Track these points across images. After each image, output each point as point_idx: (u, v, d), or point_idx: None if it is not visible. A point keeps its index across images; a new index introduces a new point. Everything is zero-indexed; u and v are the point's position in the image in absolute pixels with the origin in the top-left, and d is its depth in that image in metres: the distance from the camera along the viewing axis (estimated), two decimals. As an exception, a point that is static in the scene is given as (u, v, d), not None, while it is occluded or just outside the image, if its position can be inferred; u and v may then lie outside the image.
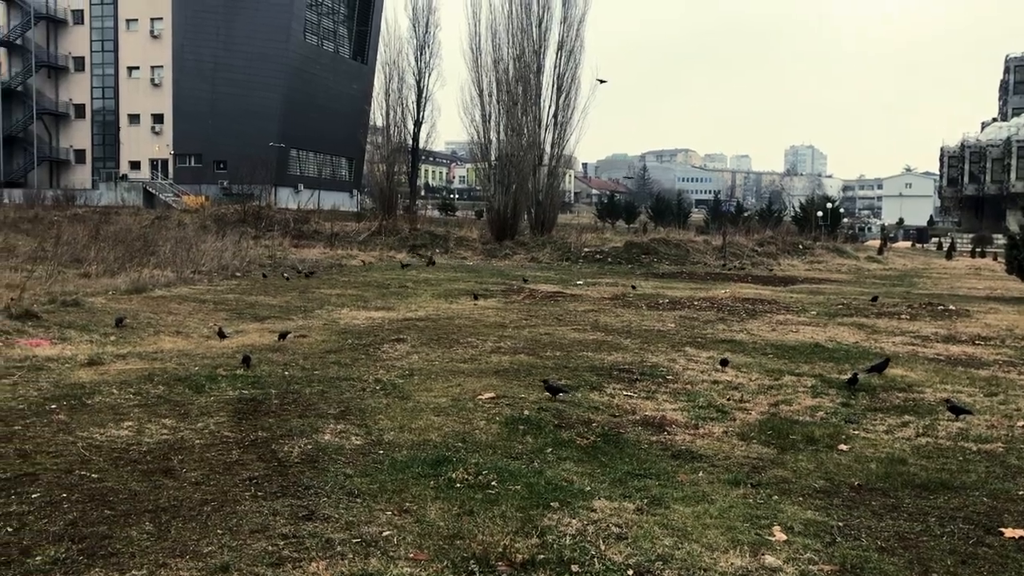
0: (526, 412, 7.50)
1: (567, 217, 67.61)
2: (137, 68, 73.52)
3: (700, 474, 6.01)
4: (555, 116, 39.44)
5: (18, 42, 73.01)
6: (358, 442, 6.47)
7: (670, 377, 9.50)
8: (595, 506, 5.22)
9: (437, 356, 10.45)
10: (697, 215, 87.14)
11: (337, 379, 8.80)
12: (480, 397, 8.06)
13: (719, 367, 10.05)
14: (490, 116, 39.14)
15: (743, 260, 33.37)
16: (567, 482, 5.69)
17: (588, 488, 5.58)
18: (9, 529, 4.56)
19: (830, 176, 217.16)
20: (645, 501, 5.37)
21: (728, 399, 8.47)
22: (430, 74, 59.69)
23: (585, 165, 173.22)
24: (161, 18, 72.17)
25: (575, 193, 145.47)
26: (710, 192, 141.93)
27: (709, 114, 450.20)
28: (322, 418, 7.14)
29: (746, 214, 76.75)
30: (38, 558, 4.21)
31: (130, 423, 6.74)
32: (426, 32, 59.99)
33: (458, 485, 5.52)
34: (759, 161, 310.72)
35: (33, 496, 5.05)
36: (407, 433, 6.76)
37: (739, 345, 12.00)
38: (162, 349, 10.42)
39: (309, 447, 6.28)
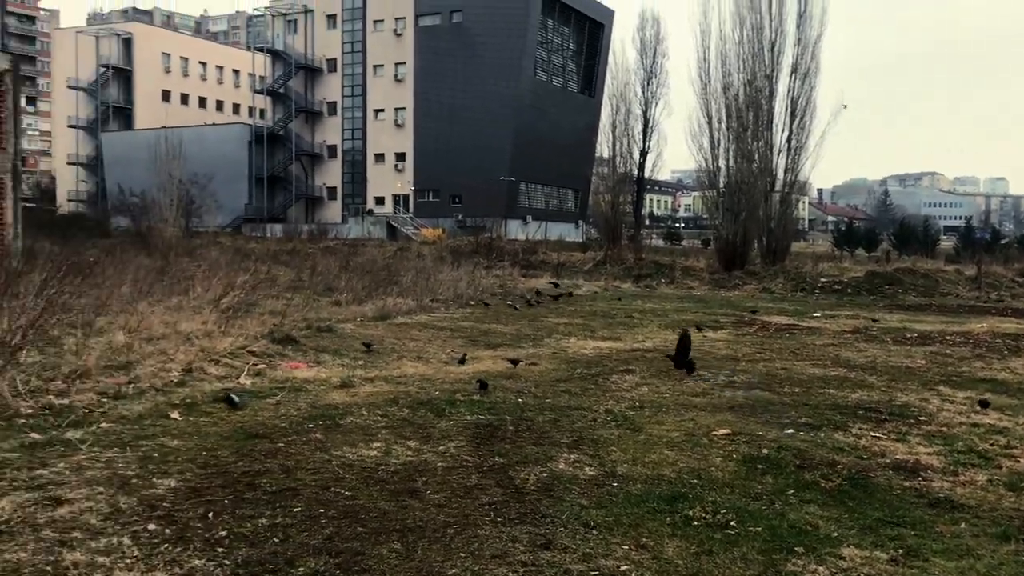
0: (764, 450, 7.21)
1: (801, 245, 64.86)
2: (382, 110, 78.82)
3: (962, 525, 5.51)
4: (788, 141, 38.09)
5: (281, 91, 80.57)
6: (592, 473, 6.49)
7: (923, 418, 8.81)
8: (844, 554, 4.92)
9: (667, 389, 10.31)
10: (946, 243, 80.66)
11: (568, 408, 8.89)
12: (714, 433, 7.84)
13: (978, 408, 9.21)
14: (718, 143, 38.43)
15: (1001, 292, 30.50)
16: (812, 526, 5.40)
17: (835, 534, 5.27)
18: (276, 540, 4.95)
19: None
20: (900, 552, 4.99)
21: (991, 444, 7.72)
22: (656, 103, 59.60)
23: (820, 191, 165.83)
24: (404, 63, 77.02)
25: (809, 220, 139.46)
26: (960, 218, 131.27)
27: (958, 135, 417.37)
28: (556, 447, 7.23)
29: (1003, 241, 70.25)
30: (300, 569, 4.54)
31: (378, 444, 7.15)
32: (653, 62, 60.07)
33: (695, 523, 5.38)
34: (1018, 184, 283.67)
35: (295, 510, 5.46)
36: (640, 466, 6.70)
37: (1001, 385, 10.94)
38: (405, 374, 10.99)
39: (544, 475, 6.37)
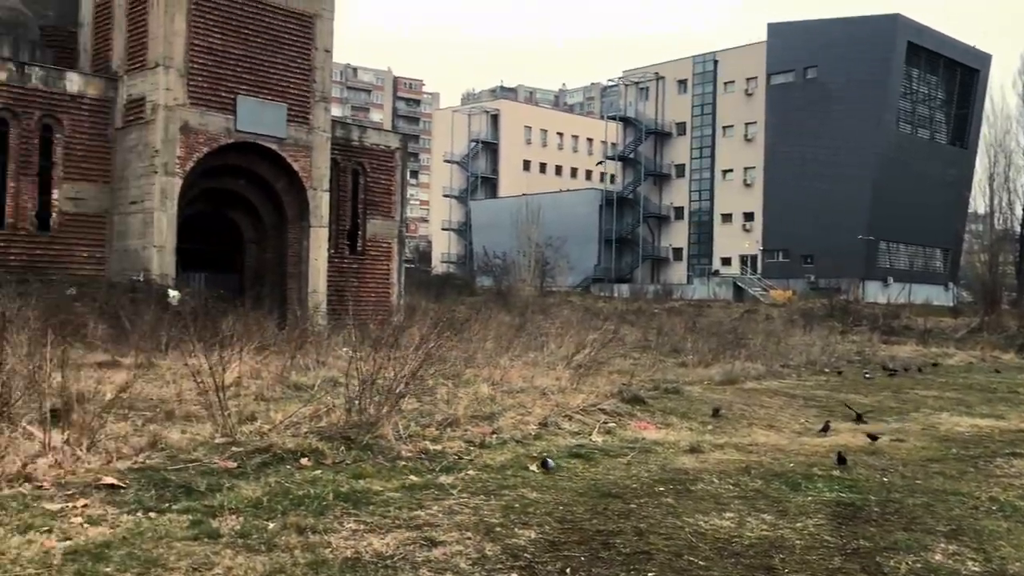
0: None
1: None
2: (731, 170, 78.45)
3: None
4: None
5: (631, 156, 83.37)
6: (975, 568, 5.77)
7: None
8: None
9: (1067, 478, 8.93)
10: None
11: (943, 492, 8.02)
12: None
13: None
14: None
15: None
16: None
17: None
18: (630, 601, 4.96)
19: None
20: None
21: None
22: (1045, 152, 53.10)
23: None
24: (755, 122, 76.21)
25: None
26: None
27: None
28: (930, 535, 6.54)
29: None
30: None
31: (731, 514, 6.94)
32: (1041, 107, 53.70)
33: (1113, 643, 4.56)
34: None
35: (649, 575, 5.44)
36: (1037, 567, 5.84)
37: None
38: (756, 442, 10.62)
39: (918, 566, 5.77)
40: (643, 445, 9.87)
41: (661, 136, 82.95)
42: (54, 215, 22.02)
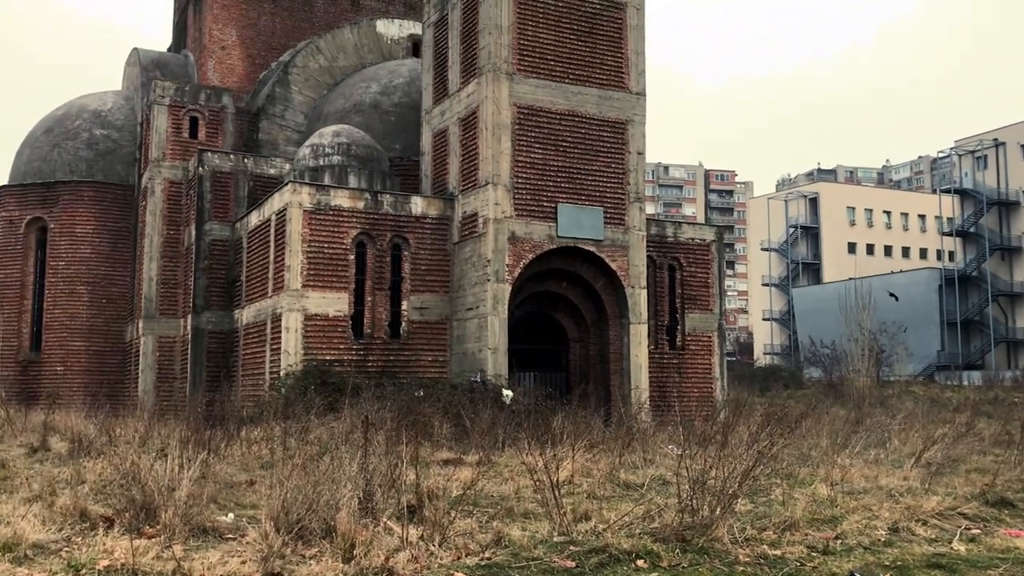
0: None
1: None
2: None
3: None
4: None
5: (971, 230, 76.15)
6: None
7: None
8: None
9: None
10: None
11: None
12: None
13: None
14: None
15: None
16: None
17: None
18: None
19: None
20: None
21: None
22: None
23: None
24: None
25: None
26: None
27: None
28: None
29: None
30: None
31: None
32: None
33: None
34: None
35: None
36: None
37: None
38: None
39: None
40: (1017, 556, 8.71)
41: (1006, 206, 75.08)
42: (403, 324, 24.38)
